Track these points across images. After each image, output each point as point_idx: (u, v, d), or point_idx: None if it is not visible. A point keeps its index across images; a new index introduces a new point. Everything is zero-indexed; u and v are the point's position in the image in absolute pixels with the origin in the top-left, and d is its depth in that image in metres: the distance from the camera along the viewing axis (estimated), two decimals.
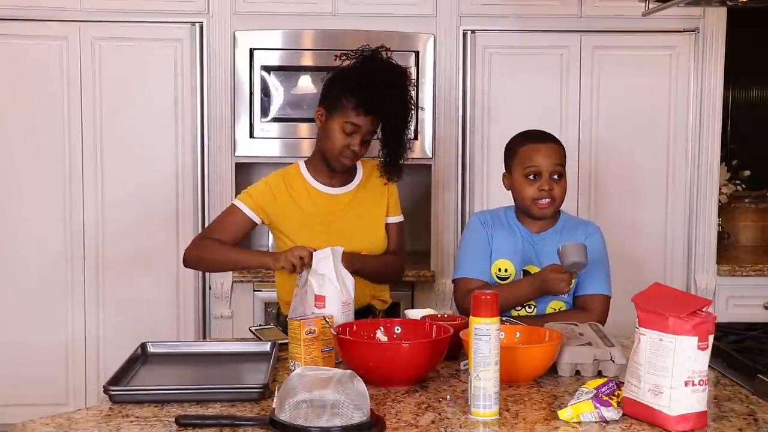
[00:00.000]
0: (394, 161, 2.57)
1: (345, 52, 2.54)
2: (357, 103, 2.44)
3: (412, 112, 2.56)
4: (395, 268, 2.68)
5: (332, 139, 2.49)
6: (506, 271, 2.55)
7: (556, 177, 2.52)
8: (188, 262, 2.59)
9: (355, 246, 2.43)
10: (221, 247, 2.51)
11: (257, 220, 2.56)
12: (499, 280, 2.56)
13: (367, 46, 2.54)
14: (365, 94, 2.43)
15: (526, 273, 2.55)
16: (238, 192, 3.76)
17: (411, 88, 2.55)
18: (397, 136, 2.53)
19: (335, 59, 2.56)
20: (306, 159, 2.66)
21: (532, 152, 2.52)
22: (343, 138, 2.47)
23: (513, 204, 2.63)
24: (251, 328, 2.44)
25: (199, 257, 2.56)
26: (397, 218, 2.68)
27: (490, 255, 2.57)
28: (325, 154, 2.54)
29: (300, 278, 2.35)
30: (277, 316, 2.67)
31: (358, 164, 2.66)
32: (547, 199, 2.51)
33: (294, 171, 2.63)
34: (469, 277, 2.56)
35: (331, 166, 2.55)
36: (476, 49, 3.86)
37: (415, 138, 3.82)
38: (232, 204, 2.59)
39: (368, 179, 2.64)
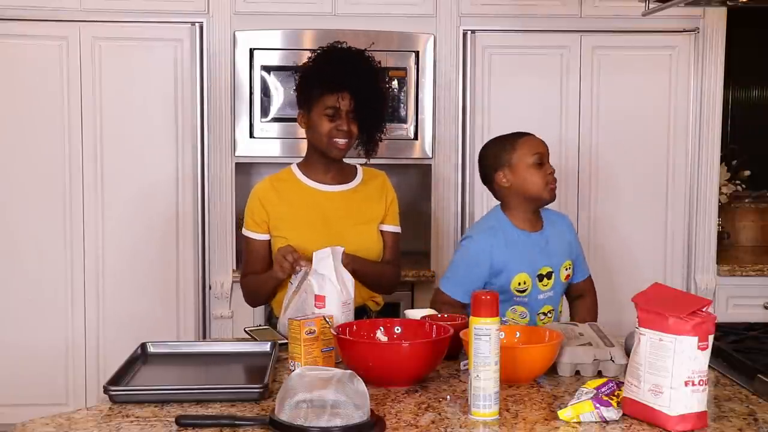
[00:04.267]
0: (370, 136, 2.59)
1: (305, 63, 2.61)
2: (326, 86, 2.48)
3: (382, 90, 2.61)
4: (391, 278, 2.68)
5: (319, 129, 2.51)
6: (524, 283, 2.57)
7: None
8: (251, 304, 2.72)
9: (349, 245, 2.43)
10: (253, 280, 2.59)
11: (269, 236, 2.59)
12: (517, 293, 2.57)
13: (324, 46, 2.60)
14: (330, 74, 2.48)
15: (540, 277, 2.58)
16: (238, 192, 3.81)
17: (377, 69, 2.58)
18: (370, 109, 2.54)
19: (293, 72, 2.63)
20: (298, 162, 2.65)
21: (532, 142, 2.61)
22: (328, 123, 2.49)
23: (495, 207, 2.67)
24: (246, 329, 2.44)
25: (251, 297, 2.66)
26: (394, 228, 2.67)
27: (484, 277, 2.57)
28: (319, 147, 2.54)
29: (293, 278, 2.35)
30: (269, 318, 2.66)
31: (358, 168, 2.66)
32: (554, 184, 2.60)
33: (286, 173, 2.64)
34: (448, 294, 2.59)
35: (330, 156, 2.55)
36: (476, 49, 3.86)
37: (415, 138, 3.84)
38: (244, 235, 2.63)
39: (367, 183, 2.64)
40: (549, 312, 2.62)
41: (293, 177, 2.61)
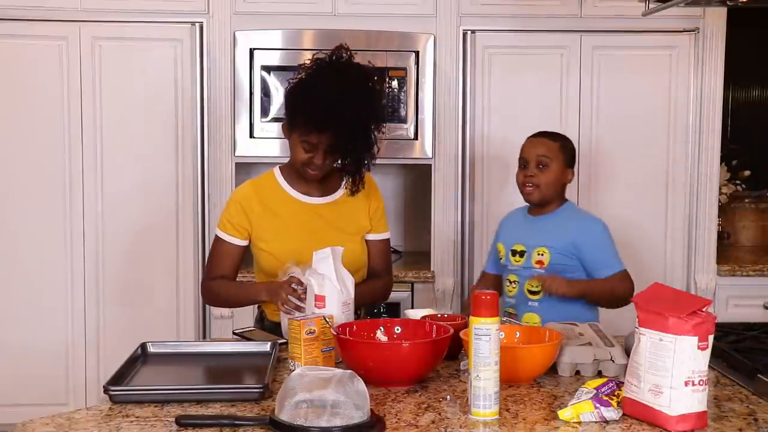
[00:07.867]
0: (352, 173, 2.47)
1: (302, 64, 2.47)
2: (305, 123, 2.38)
3: (373, 119, 2.44)
4: (388, 289, 2.67)
5: (295, 153, 2.44)
6: (499, 252, 2.87)
7: (541, 166, 2.77)
8: (212, 305, 2.65)
9: None
10: (226, 289, 2.54)
11: (244, 242, 2.53)
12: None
13: (323, 55, 2.45)
14: (311, 114, 2.36)
15: (514, 252, 2.79)
16: None
17: (373, 92, 2.45)
18: (353, 147, 2.41)
19: (296, 71, 2.49)
20: (281, 165, 2.59)
21: (524, 145, 2.85)
22: (303, 154, 2.42)
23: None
24: (235, 331, 2.43)
25: (217, 302, 2.65)
26: (382, 235, 2.63)
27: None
28: (295, 165, 2.50)
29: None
30: (261, 320, 2.63)
31: (345, 177, 2.56)
32: (530, 186, 2.77)
33: (269, 179, 2.57)
34: (485, 271, 2.99)
35: (304, 177, 2.51)
36: (476, 49, 3.86)
37: (415, 138, 3.84)
38: (216, 235, 2.56)
39: None
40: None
41: (276, 185, 2.55)
